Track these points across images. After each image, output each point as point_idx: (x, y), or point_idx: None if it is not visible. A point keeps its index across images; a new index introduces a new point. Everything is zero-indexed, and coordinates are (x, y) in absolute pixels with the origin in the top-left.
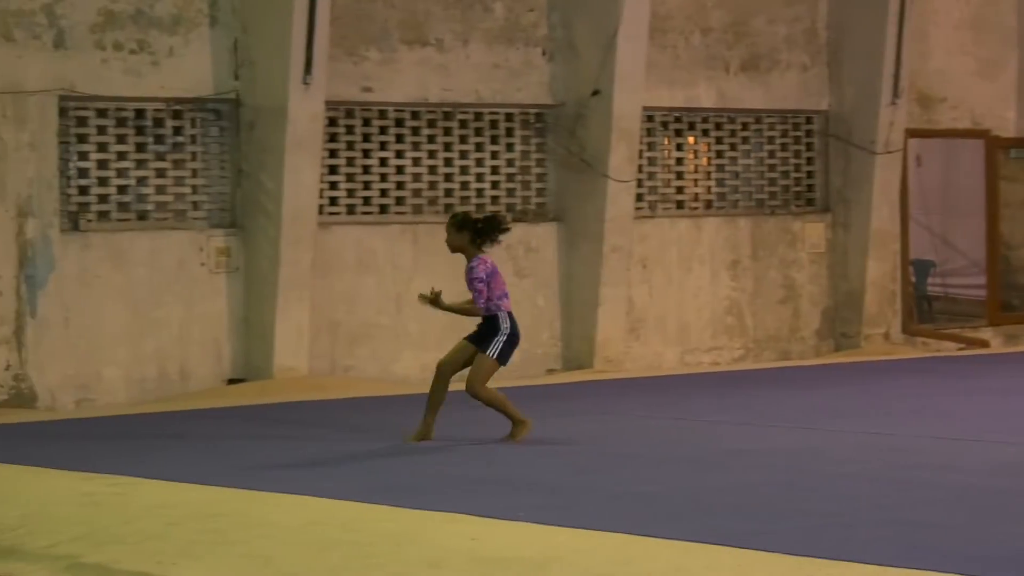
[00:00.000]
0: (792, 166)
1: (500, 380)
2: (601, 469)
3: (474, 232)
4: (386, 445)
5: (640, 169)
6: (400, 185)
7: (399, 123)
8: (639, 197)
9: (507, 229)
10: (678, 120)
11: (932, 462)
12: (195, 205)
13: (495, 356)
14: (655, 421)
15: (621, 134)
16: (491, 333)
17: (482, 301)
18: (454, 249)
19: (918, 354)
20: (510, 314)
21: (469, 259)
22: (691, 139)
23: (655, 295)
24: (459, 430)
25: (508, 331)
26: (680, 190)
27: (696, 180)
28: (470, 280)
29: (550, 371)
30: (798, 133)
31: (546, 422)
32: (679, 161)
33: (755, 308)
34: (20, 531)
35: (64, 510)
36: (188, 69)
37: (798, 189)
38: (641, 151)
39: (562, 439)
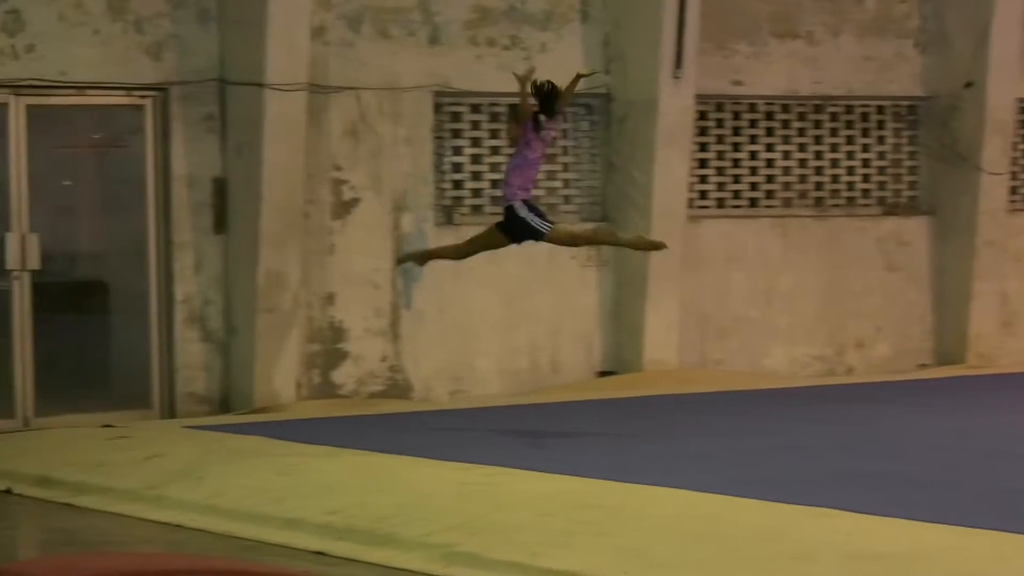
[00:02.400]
0: None
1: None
2: (971, 465)
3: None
4: (755, 439)
5: (1014, 161)
6: (770, 178)
7: (769, 116)
8: (1013, 190)
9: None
10: None
11: None
12: (566, 199)
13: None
14: None
15: (995, 126)
16: (516, 223)
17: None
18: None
19: None
20: (525, 202)
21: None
22: None
23: None
24: (826, 426)
25: (528, 210)
26: None
27: None
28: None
29: (921, 365)
30: None
31: (914, 417)
32: None
33: None
34: (396, 520)
35: (439, 500)
36: (559, 64)
37: None
38: (1015, 143)
39: (932, 434)
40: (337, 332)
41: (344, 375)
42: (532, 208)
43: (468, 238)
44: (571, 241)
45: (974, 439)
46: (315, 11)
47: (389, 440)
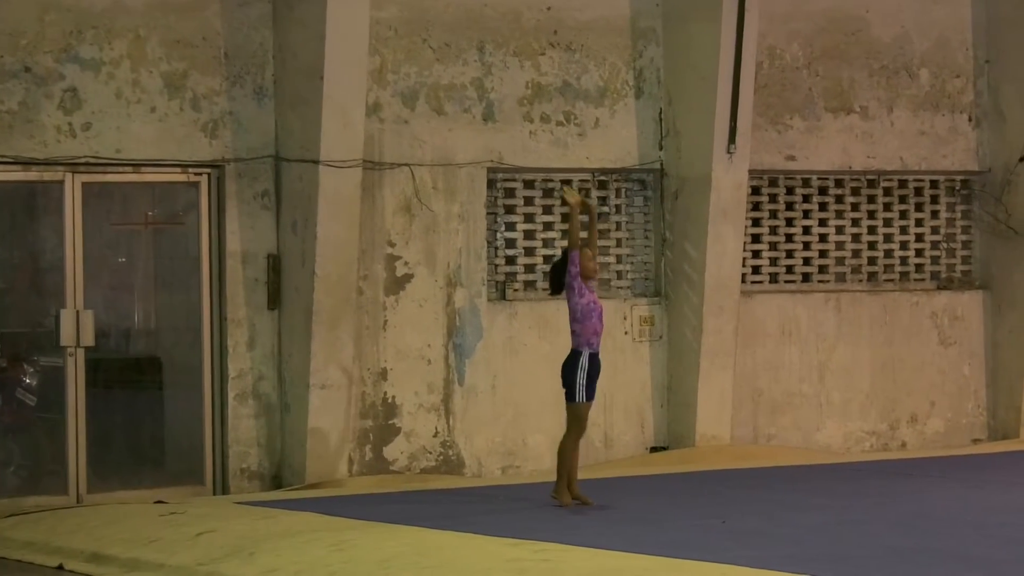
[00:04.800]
0: None
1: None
2: None
3: None
4: (808, 515)
5: None
6: (823, 253)
7: (822, 191)
8: None
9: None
10: None
11: None
12: (619, 274)
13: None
14: None
15: None
16: (569, 370)
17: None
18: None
19: None
20: (593, 356)
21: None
22: None
23: None
24: (880, 502)
25: (587, 371)
26: None
27: None
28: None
29: (975, 441)
30: None
31: (968, 492)
32: None
33: None
34: None
35: None
36: (613, 140)
37: None
38: None
39: (986, 510)
40: (390, 408)
41: (396, 451)
42: (592, 372)
43: (567, 424)
44: (574, 426)
45: None
46: (371, 88)
47: (441, 516)
